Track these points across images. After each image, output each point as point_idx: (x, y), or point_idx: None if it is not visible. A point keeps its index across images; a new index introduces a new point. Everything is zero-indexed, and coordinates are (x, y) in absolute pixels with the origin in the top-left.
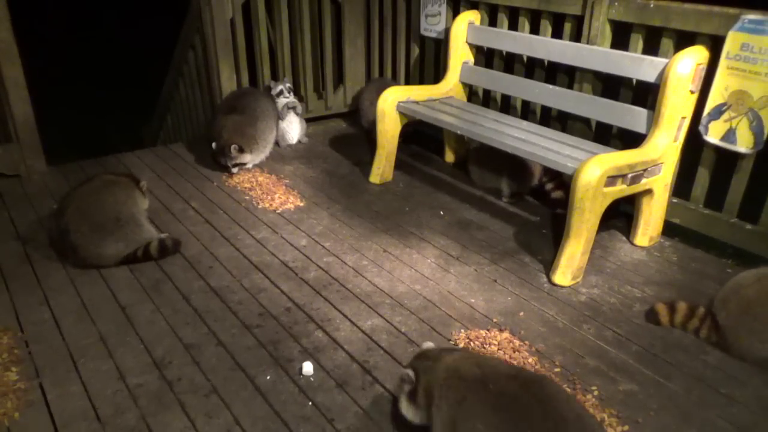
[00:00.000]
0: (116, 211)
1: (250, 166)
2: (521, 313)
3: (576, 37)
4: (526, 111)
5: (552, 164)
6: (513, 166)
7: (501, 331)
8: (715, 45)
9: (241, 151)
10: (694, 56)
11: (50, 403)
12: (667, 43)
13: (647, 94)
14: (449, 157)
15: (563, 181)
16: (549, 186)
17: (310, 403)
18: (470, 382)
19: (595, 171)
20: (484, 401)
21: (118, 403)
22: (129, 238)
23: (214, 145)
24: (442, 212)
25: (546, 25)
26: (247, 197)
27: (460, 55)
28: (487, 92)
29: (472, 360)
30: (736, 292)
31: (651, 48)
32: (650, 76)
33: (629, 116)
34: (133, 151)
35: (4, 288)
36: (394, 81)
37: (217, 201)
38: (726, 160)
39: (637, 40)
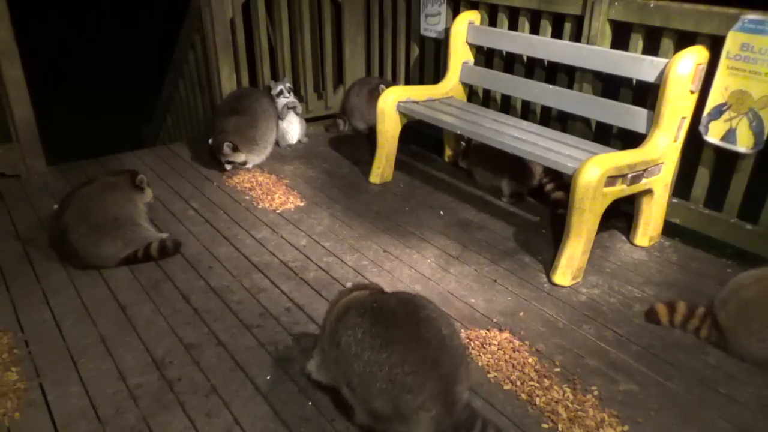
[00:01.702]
0: (114, 212)
1: (250, 166)
2: (521, 313)
3: (576, 37)
4: (526, 111)
5: (552, 164)
6: (514, 165)
7: (501, 331)
8: (715, 45)
9: (236, 150)
10: (694, 56)
11: (50, 403)
12: (667, 43)
13: (647, 94)
14: (449, 156)
15: (564, 182)
16: (549, 186)
17: (310, 403)
18: (361, 304)
19: (595, 171)
20: (366, 316)
21: (118, 403)
22: (127, 238)
23: (210, 140)
24: (442, 212)
25: (546, 25)
26: (247, 197)
27: (460, 55)
28: (487, 92)
29: (366, 292)
30: (735, 292)
31: (651, 48)
32: (650, 76)
33: (629, 116)
34: (133, 151)
35: (4, 288)
36: (391, 81)
37: (217, 201)
38: (726, 160)
39: (637, 40)
